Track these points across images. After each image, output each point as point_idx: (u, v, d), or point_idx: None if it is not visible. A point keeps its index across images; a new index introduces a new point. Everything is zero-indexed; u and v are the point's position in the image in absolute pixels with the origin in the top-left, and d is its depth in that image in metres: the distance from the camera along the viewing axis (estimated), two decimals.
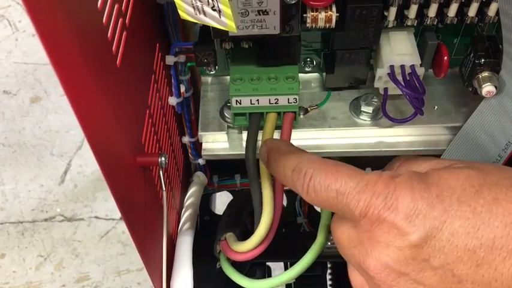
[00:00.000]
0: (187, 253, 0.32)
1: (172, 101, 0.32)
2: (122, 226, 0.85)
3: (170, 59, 0.30)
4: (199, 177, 0.39)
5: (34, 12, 0.14)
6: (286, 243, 0.40)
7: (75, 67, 0.18)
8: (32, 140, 0.94)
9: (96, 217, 0.85)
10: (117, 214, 0.86)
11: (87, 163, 0.91)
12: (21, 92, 0.99)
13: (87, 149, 0.92)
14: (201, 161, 0.40)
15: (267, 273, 0.40)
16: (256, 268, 0.39)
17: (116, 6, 0.23)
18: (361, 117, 0.32)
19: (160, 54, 0.31)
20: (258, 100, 0.29)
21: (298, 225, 0.42)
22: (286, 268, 0.39)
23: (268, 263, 0.41)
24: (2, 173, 0.90)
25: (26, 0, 0.14)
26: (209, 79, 0.34)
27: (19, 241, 0.83)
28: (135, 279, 0.79)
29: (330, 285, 0.40)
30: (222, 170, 0.42)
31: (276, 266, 0.43)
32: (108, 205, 0.86)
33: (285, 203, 0.44)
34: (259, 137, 0.30)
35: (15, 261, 0.80)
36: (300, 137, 0.32)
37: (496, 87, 0.29)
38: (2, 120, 0.96)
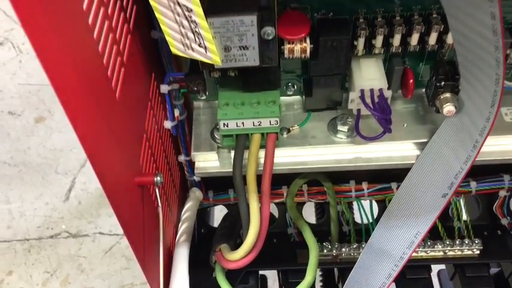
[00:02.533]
0: (184, 263, 0.37)
1: (167, 124, 0.36)
2: (126, 241, 0.89)
3: (164, 88, 0.35)
4: (195, 192, 0.43)
5: (46, 62, 0.19)
6: (277, 252, 0.44)
7: (79, 101, 0.22)
8: (37, 159, 0.98)
9: (100, 233, 0.89)
10: (121, 230, 0.90)
11: (91, 180, 0.95)
12: (26, 112, 1.04)
13: (90, 166, 0.97)
14: (196, 178, 0.44)
15: (260, 282, 0.44)
16: (249, 276, 0.43)
17: (114, 48, 0.28)
18: (338, 135, 0.36)
19: (155, 83, 0.36)
20: (243, 123, 0.34)
21: (288, 236, 0.46)
22: (279, 277, 0.43)
23: (263, 272, 0.45)
24: (8, 192, 0.95)
25: (42, 57, 0.19)
26: (201, 104, 0.39)
27: (26, 258, 0.87)
28: None
29: None
30: (217, 185, 0.46)
31: (270, 275, 0.47)
32: (111, 221, 0.90)
33: (276, 214, 0.48)
34: (246, 156, 0.34)
35: (23, 278, 0.85)
36: (283, 155, 0.36)
37: (455, 107, 0.34)
38: (8, 140, 1.01)
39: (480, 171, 0.44)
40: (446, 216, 0.47)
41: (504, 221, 0.47)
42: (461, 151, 0.33)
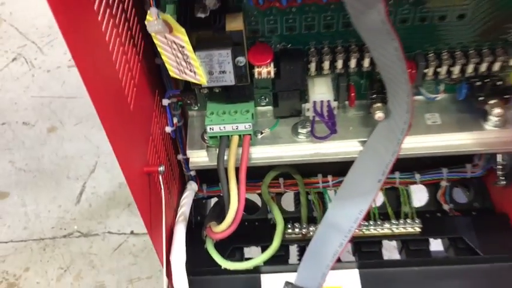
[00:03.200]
0: (182, 236, 0.50)
1: (168, 129, 0.50)
2: (133, 239, 1.02)
3: (165, 102, 0.49)
4: (191, 184, 0.57)
5: (88, 82, 0.32)
6: (259, 233, 0.58)
7: (108, 112, 0.36)
8: (50, 166, 1.12)
9: (109, 232, 1.02)
10: (128, 229, 1.03)
11: (100, 184, 1.09)
12: (39, 123, 1.18)
13: (99, 172, 1.10)
14: (192, 173, 0.58)
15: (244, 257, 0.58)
16: (235, 251, 0.57)
17: (129, 74, 0.42)
18: (299, 136, 0.50)
19: (158, 98, 0.50)
20: (224, 127, 0.47)
21: (268, 220, 0.60)
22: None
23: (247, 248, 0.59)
24: (24, 196, 1.08)
25: (85, 78, 0.32)
26: (194, 113, 0.53)
27: (41, 256, 1.00)
28: (146, 286, 0.96)
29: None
30: (210, 179, 0.60)
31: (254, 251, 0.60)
32: (119, 221, 1.04)
33: (259, 204, 0.62)
34: (227, 152, 0.48)
35: (39, 274, 0.98)
36: (257, 152, 0.50)
37: (384, 113, 0.47)
38: (23, 148, 1.15)
39: (424, 164, 0.58)
40: (398, 203, 0.60)
41: (446, 207, 0.60)
42: (389, 146, 0.47)
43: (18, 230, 1.04)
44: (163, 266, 0.50)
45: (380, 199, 0.60)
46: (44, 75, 1.27)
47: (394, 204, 0.60)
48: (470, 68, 0.47)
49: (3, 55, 1.30)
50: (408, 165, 0.58)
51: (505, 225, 0.56)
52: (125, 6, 0.41)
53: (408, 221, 0.56)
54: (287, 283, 0.50)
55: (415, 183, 0.59)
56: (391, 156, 0.47)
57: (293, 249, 0.58)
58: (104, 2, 0.36)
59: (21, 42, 1.33)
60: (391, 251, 0.63)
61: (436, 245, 0.58)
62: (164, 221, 0.46)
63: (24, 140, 1.16)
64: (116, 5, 0.39)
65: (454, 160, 0.59)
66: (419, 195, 0.63)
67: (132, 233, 1.02)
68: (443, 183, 0.60)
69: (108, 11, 0.37)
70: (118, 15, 0.39)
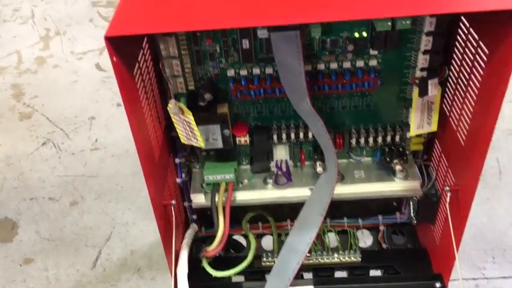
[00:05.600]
0: (185, 255, 0.84)
1: (178, 180, 0.87)
2: None
3: (177, 160, 0.86)
4: (193, 225, 0.92)
5: (137, 143, 0.68)
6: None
7: (144, 161, 0.72)
8: (71, 236, 1.46)
9: None
10: None
11: (114, 252, 1.41)
12: (63, 198, 1.54)
13: (113, 240, 1.44)
14: (194, 217, 0.93)
15: None
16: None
17: (155, 141, 0.79)
18: (268, 185, 0.86)
19: (172, 157, 0.86)
20: (216, 177, 0.84)
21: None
22: None
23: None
24: (46, 262, 1.41)
25: (138, 149, 0.68)
26: (197, 170, 0.90)
27: None
28: None
29: None
30: (208, 223, 0.95)
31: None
32: (130, 284, 1.35)
33: (245, 245, 0.96)
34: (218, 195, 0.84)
35: None
36: (240, 195, 0.86)
37: (323, 169, 0.83)
38: (47, 220, 1.50)
39: (368, 213, 0.93)
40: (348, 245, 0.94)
41: (384, 246, 0.94)
42: (327, 190, 0.82)
43: None
44: (172, 276, 0.83)
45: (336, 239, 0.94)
46: (69, 157, 1.65)
47: (344, 243, 0.93)
48: (379, 140, 0.83)
49: (34, 140, 1.70)
50: (354, 212, 0.93)
51: (424, 256, 0.89)
52: (155, 98, 0.79)
53: (352, 253, 0.89)
54: None
55: (359, 226, 0.93)
56: (329, 197, 0.82)
57: None
58: (144, 96, 0.74)
59: (51, 129, 1.74)
60: None
61: (375, 273, 0.90)
62: (174, 243, 0.80)
63: (49, 213, 1.50)
64: (150, 97, 0.77)
65: (391, 209, 0.93)
66: (366, 240, 0.96)
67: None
68: (381, 228, 0.94)
69: (146, 101, 0.75)
70: (151, 104, 0.77)
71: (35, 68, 2.03)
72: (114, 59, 0.58)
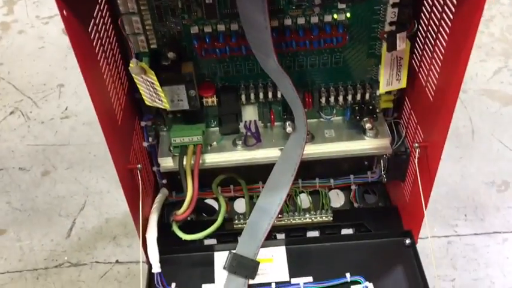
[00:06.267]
0: (154, 220, 0.83)
1: (145, 144, 0.84)
2: (117, 267, 1.32)
3: (143, 123, 0.83)
4: (163, 190, 0.91)
5: (96, 107, 0.66)
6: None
7: (106, 125, 0.69)
8: (43, 205, 1.43)
9: (96, 262, 1.32)
10: (113, 258, 1.33)
11: (88, 221, 1.40)
12: (34, 168, 1.51)
13: (88, 209, 1.42)
14: (164, 181, 0.91)
15: None
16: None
17: (118, 102, 0.76)
18: (237, 147, 0.85)
19: (138, 121, 0.84)
20: (183, 139, 0.82)
21: None
22: None
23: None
24: (20, 232, 1.39)
25: (97, 113, 0.66)
26: (164, 133, 0.88)
27: (34, 285, 1.30)
28: None
29: None
30: (178, 187, 0.93)
31: None
32: (106, 252, 1.34)
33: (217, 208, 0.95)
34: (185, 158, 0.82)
35: None
36: (209, 158, 0.85)
37: (292, 128, 0.81)
38: (19, 191, 1.47)
39: (339, 172, 0.91)
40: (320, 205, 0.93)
41: (356, 205, 0.93)
42: (297, 150, 0.81)
43: (14, 262, 1.34)
44: (140, 241, 0.82)
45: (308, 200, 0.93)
46: (38, 126, 1.62)
47: (316, 204, 0.92)
48: (349, 98, 0.82)
49: (1, 109, 1.66)
50: (326, 172, 0.91)
51: (394, 214, 0.89)
52: (116, 58, 0.76)
53: (323, 212, 0.89)
54: (230, 252, 0.82)
55: (330, 186, 0.92)
56: (298, 157, 0.81)
57: None
58: (103, 56, 0.71)
59: (18, 97, 1.69)
60: None
61: (346, 231, 0.90)
62: (141, 208, 0.78)
63: (20, 183, 1.48)
64: (110, 57, 0.74)
65: (363, 169, 0.92)
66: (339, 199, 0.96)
67: (117, 261, 1.32)
68: (353, 187, 0.93)
69: (105, 61, 0.72)
70: (111, 64, 0.74)
71: None
72: (65, 12, 0.54)
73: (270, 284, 0.81)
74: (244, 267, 0.81)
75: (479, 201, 1.29)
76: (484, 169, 1.36)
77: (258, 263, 0.81)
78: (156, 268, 0.82)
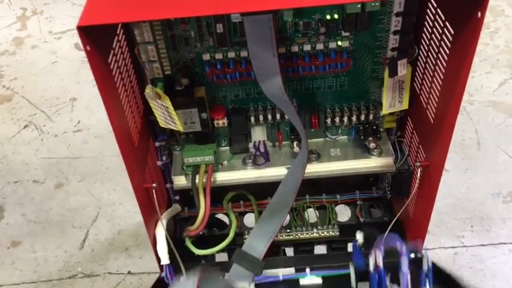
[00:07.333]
0: (162, 231, 0.88)
1: (159, 163, 0.90)
2: (130, 278, 1.37)
3: (157, 144, 0.88)
4: (175, 205, 0.96)
5: (116, 133, 0.71)
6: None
7: (123, 146, 0.75)
8: (57, 217, 1.49)
9: (109, 273, 1.37)
10: (125, 269, 1.38)
11: (101, 232, 1.45)
12: (47, 180, 1.57)
13: (100, 221, 1.48)
14: (177, 198, 0.97)
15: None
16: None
17: (134, 125, 0.82)
18: (247, 165, 0.89)
19: (152, 142, 0.89)
20: (195, 159, 0.87)
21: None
22: None
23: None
24: (34, 244, 1.45)
25: (116, 134, 0.71)
26: (177, 153, 0.93)
27: None
28: None
29: None
30: (190, 204, 0.98)
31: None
32: (118, 263, 1.39)
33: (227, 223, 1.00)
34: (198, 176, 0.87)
35: None
36: (219, 176, 0.89)
37: (299, 147, 0.86)
38: (33, 203, 1.53)
39: (346, 188, 0.96)
40: (326, 220, 0.98)
41: (361, 220, 0.98)
42: (300, 171, 0.85)
43: (29, 273, 1.39)
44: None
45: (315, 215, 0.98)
46: (52, 139, 1.67)
47: (323, 219, 0.97)
48: (354, 118, 0.87)
49: (15, 123, 1.72)
50: (332, 188, 0.96)
51: (399, 228, 0.93)
52: (132, 84, 0.82)
53: (330, 227, 0.94)
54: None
55: (337, 202, 0.97)
56: (301, 176, 0.86)
57: None
58: (121, 83, 0.76)
59: (32, 111, 1.75)
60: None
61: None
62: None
63: (34, 195, 1.53)
64: (127, 84, 0.79)
65: (368, 184, 0.97)
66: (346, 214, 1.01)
67: (129, 272, 1.37)
68: (359, 202, 0.98)
69: (123, 88, 0.77)
70: (129, 90, 0.80)
71: (12, 49, 2.03)
72: (88, 48, 0.60)
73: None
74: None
75: (486, 212, 1.33)
76: (490, 180, 1.40)
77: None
78: (165, 260, 0.86)
